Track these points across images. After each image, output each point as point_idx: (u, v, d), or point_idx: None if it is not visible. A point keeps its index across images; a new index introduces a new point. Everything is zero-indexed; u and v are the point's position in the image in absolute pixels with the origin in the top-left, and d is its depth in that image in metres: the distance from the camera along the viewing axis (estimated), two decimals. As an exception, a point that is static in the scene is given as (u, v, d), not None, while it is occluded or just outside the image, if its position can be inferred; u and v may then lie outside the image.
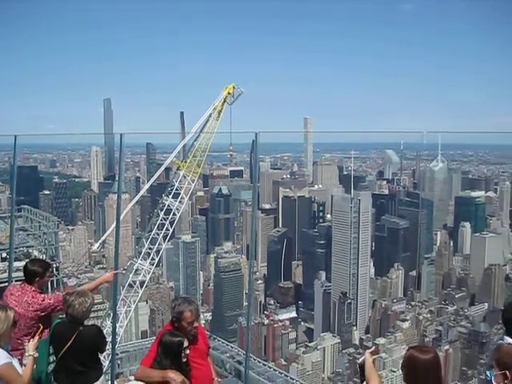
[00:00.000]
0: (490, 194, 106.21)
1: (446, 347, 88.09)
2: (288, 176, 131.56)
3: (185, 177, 33.41)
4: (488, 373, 4.18)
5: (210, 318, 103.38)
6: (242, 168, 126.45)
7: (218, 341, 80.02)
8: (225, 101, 32.51)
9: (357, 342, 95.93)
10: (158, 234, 33.19)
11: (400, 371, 4.51)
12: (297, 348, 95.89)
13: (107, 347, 5.94)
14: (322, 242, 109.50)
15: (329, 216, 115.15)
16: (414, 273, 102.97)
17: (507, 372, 3.83)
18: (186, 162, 33.05)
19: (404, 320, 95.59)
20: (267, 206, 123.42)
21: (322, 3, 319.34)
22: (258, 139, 9.86)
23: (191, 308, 5.26)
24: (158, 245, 33.29)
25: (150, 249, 33.30)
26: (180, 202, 33.11)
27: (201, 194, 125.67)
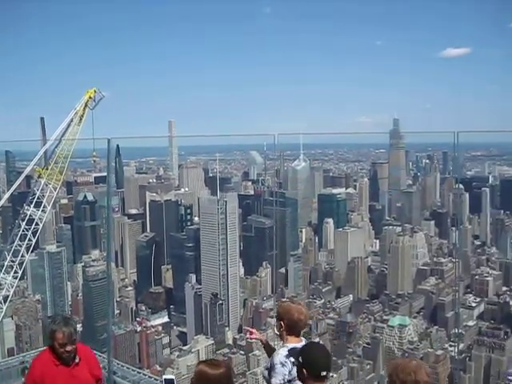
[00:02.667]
0: (350, 190, 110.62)
1: (317, 339, 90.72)
2: (154, 180, 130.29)
3: (46, 185, 32.07)
4: None
5: (81, 329, 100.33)
6: (106, 174, 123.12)
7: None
8: (86, 105, 31.52)
9: (230, 341, 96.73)
10: (21, 246, 31.65)
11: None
12: (171, 353, 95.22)
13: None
14: (191, 244, 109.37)
15: (196, 219, 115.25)
16: (282, 270, 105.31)
17: (281, 322, 5.13)
18: (47, 169, 31.74)
19: (274, 317, 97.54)
20: (134, 211, 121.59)
21: (175, 3, 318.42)
22: (110, 145, 9.78)
23: (65, 330, 5.01)
24: (21, 257, 31.73)
25: (13, 261, 31.69)
26: (43, 210, 31.78)
27: (65, 201, 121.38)
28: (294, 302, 5.35)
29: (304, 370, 4.02)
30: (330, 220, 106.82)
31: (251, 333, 6.06)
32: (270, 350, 5.54)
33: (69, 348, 5.02)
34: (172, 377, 4.81)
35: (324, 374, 4.00)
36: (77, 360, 5.18)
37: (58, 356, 5.06)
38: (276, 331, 5.21)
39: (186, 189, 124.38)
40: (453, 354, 71.20)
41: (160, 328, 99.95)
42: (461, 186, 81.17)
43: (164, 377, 4.81)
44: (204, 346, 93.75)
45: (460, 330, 74.12)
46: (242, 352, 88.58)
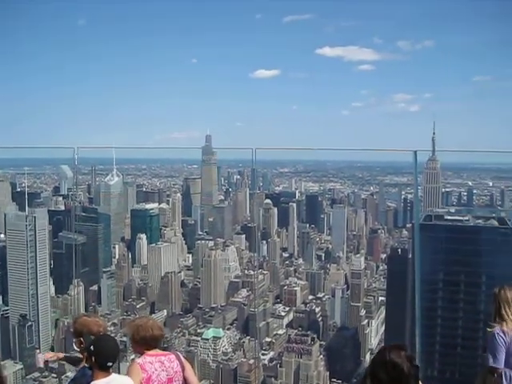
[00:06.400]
0: (163, 205, 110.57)
1: (132, 356, 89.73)
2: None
3: None
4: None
5: None
6: None
7: None
8: None
9: (41, 365, 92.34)
10: None
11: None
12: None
13: None
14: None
15: (2, 236, 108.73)
16: (94, 287, 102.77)
17: (81, 338, 5.03)
18: None
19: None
20: None
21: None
22: None
23: None
24: None
25: None
26: None
27: None
28: (90, 316, 5.47)
29: (93, 359, 4.40)
30: (143, 235, 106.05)
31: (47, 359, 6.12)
32: (74, 360, 5.45)
33: None
34: None
35: (110, 364, 4.44)
36: None
37: None
38: (76, 348, 5.13)
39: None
40: (265, 361, 74.17)
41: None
42: (269, 201, 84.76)
43: None
44: (12, 371, 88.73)
45: (270, 339, 77.24)
46: (54, 375, 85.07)
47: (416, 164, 9.99)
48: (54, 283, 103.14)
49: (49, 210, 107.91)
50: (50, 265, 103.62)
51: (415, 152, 9.66)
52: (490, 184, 70.40)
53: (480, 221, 41.41)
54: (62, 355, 5.94)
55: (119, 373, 4.76)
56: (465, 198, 69.12)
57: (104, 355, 4.44)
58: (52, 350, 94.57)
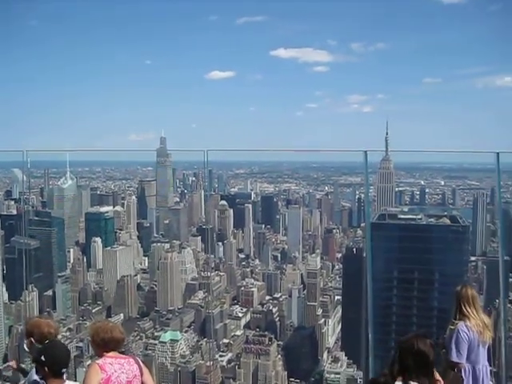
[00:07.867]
0: (118, 208, 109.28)
1: (89, 362, 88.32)
2: None
3: None
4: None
5: None
6: None
7: None
8: None
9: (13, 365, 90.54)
10: None
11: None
12: None
13: None
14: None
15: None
16: (49, 292, 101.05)
17: (32, 338, 5.06)
18: None
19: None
20: None
21: None
22: None
23: None
24: None
25: None
26: None
27: None
28: (42, 318, 5.47)
29: (46, 368, 4.35)
30: (98, 239, 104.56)
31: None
32: (23, 371, 5.58)
33: None
34: None
35: (64, 370, 4.43)
36: None
37: None
38: (26, 349, 5.17)
39: None
40: (223, 363, 74.08)
41: None
42: (225, 202, 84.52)
43: None
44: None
45: (228, 340, 77.17)
46: (8, 383, 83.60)
47: (366, 164, 10.13)
48: (6, 289, 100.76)
49: (0, 215, 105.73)
50: (3, 270, 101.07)
51: (365, 152, 9.81)
52: (442, 183, 71.44)
53: (432, 219, 42.11)
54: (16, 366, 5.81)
55: (76, 379, 4.73)
56: (417, 196, 70.05)
57: (57, 362, 4.41)
58: (5, 357, 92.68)
